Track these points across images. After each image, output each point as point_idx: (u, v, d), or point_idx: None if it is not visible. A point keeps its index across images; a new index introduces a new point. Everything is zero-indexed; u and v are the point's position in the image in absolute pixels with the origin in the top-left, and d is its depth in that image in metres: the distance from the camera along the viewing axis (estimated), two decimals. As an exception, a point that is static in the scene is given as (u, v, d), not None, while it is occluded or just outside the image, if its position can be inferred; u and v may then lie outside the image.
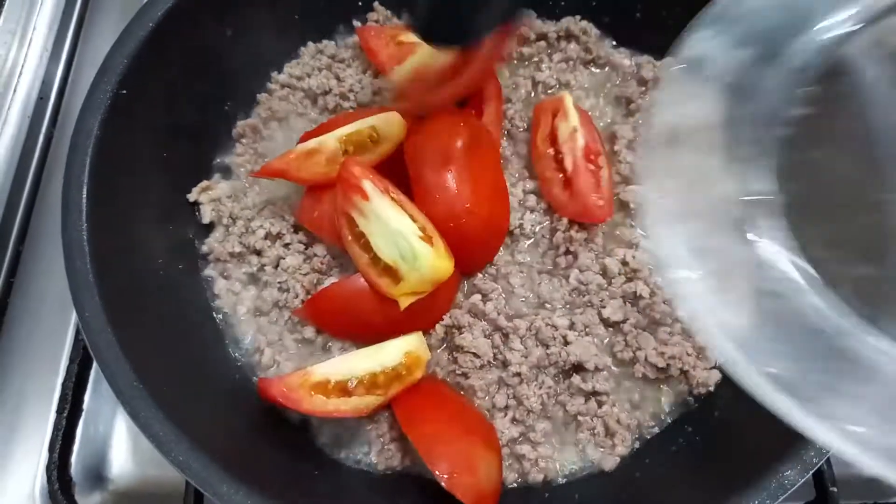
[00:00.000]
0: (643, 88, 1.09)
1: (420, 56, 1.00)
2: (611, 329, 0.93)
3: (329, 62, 1.10)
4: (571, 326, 0.92)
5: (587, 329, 0.92)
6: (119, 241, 0.83)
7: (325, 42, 1.13)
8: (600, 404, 0.89)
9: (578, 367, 0.90)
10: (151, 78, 0.90)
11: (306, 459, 0.87)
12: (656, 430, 0.90)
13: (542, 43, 1.14)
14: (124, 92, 0.85)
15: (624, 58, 1.12)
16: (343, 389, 0.80)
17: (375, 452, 0.88)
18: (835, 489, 0.87)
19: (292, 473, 0.82)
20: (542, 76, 1.11)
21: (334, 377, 0.81)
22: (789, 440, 0.70)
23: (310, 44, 1.12)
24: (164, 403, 0.71)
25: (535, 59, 1.14)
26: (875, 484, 0.98)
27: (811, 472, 0.68)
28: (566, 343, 0.90)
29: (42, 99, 1.23)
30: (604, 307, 0.93)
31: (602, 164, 0.99)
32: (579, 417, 0.89)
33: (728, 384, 0.89)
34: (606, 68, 1.13)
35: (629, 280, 0.94)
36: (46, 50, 1.27)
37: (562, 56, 1.12)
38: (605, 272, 0.95)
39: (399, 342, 0.84)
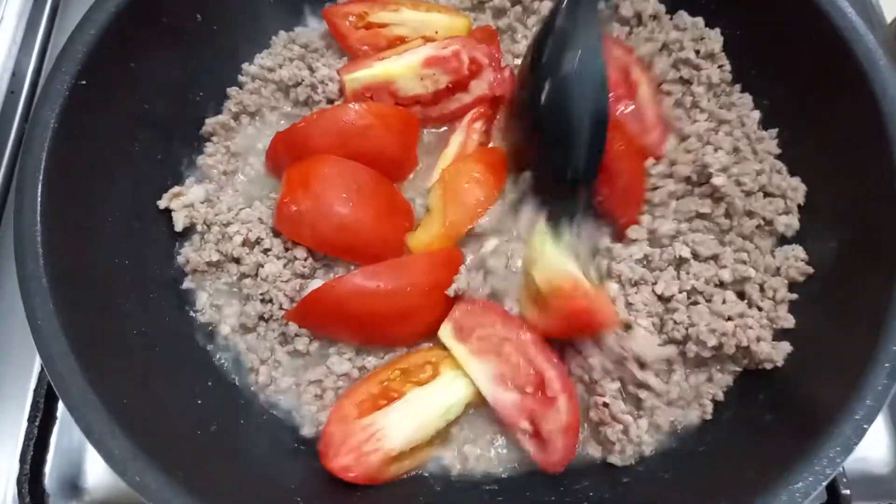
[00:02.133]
0: (627, 28, 1.05)
1: (377, 68, 0.97)
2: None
3: (302, 52, 1.04)
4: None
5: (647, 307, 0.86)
6: (79, 243, 0.78)
7: (297, 30, 1.07)
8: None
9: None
10: (114, 67, 0.85)
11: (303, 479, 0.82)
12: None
13: (518, 8, 1.08)
14: (84, 82, 0.80)
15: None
16: (414, 449, 0.83)
17: None
18: (847, 492, 0.84)
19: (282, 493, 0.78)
20: (520, 48, 1.06)
21: (409, 445, 0.82)
22: (800, 450, 0.66)
23: (281, 32, 1.07)
24: (122, 418, 0.66)
25: (507, 32, 1.08)
26: (888, 485, 0.94)
27: (824, 484, 0.64)
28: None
29: (13, 93, 1.19)
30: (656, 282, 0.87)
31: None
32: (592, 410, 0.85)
33: (741, 394, 0.85)
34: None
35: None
36: (16, 42, 1.22)
37: (536, 19, 1.07)
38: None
39: (458, 391, 0.84)
